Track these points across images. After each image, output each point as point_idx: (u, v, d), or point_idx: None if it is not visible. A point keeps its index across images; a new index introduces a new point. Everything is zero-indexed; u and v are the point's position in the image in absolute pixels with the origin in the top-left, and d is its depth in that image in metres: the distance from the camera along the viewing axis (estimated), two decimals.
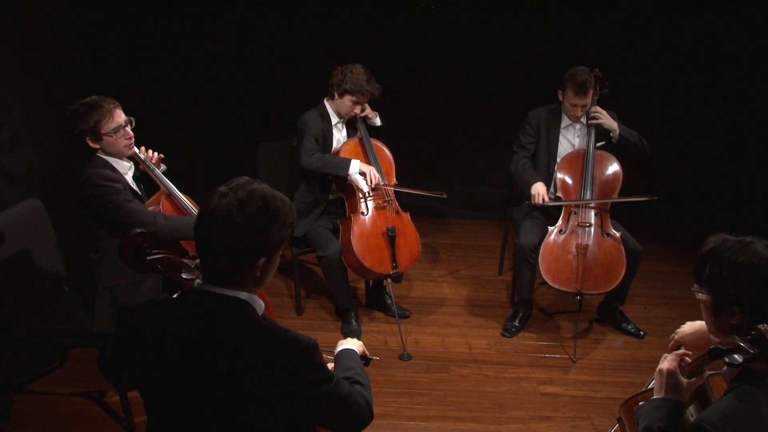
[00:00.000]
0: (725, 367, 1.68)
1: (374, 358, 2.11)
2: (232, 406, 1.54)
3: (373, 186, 3.62)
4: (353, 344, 1.99)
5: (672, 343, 2.15)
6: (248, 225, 1.52)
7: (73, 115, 2.78)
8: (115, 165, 2.87)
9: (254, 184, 1.58)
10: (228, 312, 1.56)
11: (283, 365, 1.52)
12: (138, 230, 2.18)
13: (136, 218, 2.75)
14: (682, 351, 1.82)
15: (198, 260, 2.42)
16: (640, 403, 1.80)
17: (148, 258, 2.13)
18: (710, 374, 1.77)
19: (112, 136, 2.80)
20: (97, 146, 2.82)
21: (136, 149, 2.94)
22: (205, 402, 1.55)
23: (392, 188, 3.75)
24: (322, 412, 1.62)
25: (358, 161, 3.64)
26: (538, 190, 3.65)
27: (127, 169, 2.92)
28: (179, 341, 1.55)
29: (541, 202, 3.63)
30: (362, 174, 3.62)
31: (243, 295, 1.59)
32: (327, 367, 1.61)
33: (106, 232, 2.82)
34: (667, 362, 1.78)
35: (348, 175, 3.61)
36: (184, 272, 2.13)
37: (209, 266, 1.58)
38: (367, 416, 1.74)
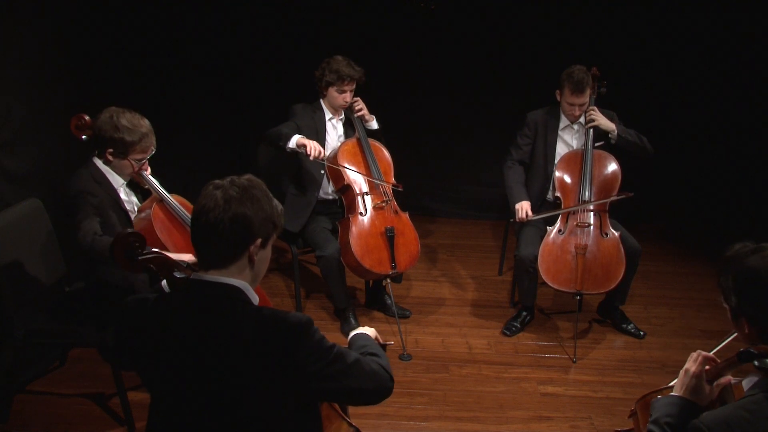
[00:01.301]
0: (749, 376, 1.66)
1: (389, 343, 2.08)
2: (236, 390, 1.56)
3: (312, 158, 3.47)
4: (365, 330, 2.01)
5: None
6: (250, 206, 1.61)
7: (113, 124, 2.72)
8: (108, 177, 2.83)
9: (243, 177, 1.68)
10: (223, 298, 1.61)
11: (279, 342, 1.55)
12: (129, 230, 2.17)
13: (75, 232, 2.65)
14: (713, 355, 1.77)
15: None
16: (658, 396, 1.78)
17: (139, 258, 2.13)
18: (734, 381, 1.74)
19: (134, 162, 2.78)
20: (111, 159, 2.78)
21: None
22: (209, 388, 1.57)
23: (336, 167, 3.64)
24: (329, 383, 1.61)
25: (298, 135, 3.53)
26: (522, 206, 3.72)
27: (120, 184, 2.87)
28: (178, 331, 1.59)
29: (524, 217, 3.69)
30: (302, 146, 3.49)
31: (239, 283, 1.63)
32: (325, 340, 1.63)
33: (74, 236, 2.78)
34: (695, 364, 1.73)
35: (287, 147, 3.53)
36: (177, 271, 2.13)
37: (206, 254, 1.64)
38: (385, 380, 1.73)
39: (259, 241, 1.63)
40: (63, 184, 2.79)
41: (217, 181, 1.65)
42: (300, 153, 3.54)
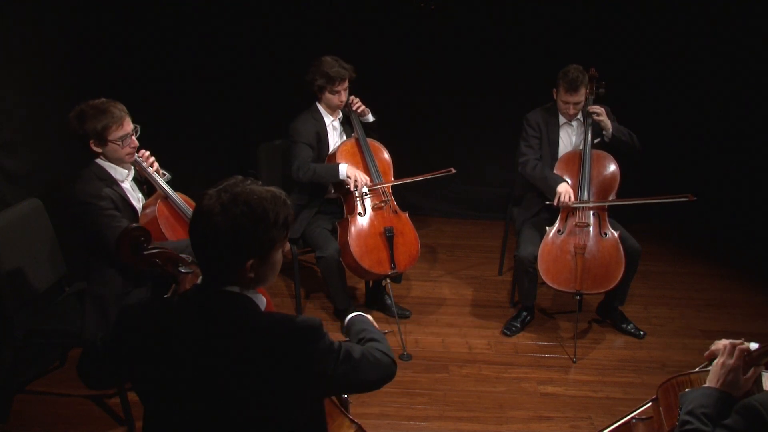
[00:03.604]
0: None
1: (386, 332, 2.07)
2: (244, 395, 1.54)
3: (358, 191, 3.58)
4: (361, 314, 2.01)
5: (708, 353, 1.93)
6: (230, 228, 1.53)
7: (80, 115, 2.73)
8: (112, 172, 2.83)
9: (242, 185, 1.58)
10: (229, 307, 1.58)
11: (290, 347, 1.54)
12: (134, 225, 2.18)
13: (109, 246, 2.62)
14: (746, 346, 1.73)
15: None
16: (686, 390, 1.75)
17: (145, 252, 2.13)
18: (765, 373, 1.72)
19: (118, 144, 2.77)
20: (100, 150, 2.78)
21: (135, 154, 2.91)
22: (216, 394, 1.55)
23: (390, 185, 3.74)
24: (339, 381, 1.63)
25: (347, 165, 3.62)
26: (567, 188, 3.60)
27: (125, 176, 2.88)
28: (183, 338, 1.56)
29: (567, 200, 3.58)
30: (348, 178, 3.58)
31: (244, 291, 1.61)
32: (333, 341, 1.63)
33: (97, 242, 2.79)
34: (733, 358, 1.70)
35: (339, 179, 3.61)
36: (182, 266, 2.13)
37: (204, 266, 1.61)
38: (389, 366, 1.75)
39: (250, 262, 1.57)
40: (69, 190, 2.79)
41: (211, 191, 1.58)
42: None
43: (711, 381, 1.72)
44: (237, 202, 1.53)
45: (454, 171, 3.75)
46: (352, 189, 3.59)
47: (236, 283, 1.60)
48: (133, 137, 2.82)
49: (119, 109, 2.77)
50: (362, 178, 3.60)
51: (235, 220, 1.52)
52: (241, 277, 1.59)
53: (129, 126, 2.80)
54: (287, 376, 1.54)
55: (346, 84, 3.71)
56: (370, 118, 3.90)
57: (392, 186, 3.81)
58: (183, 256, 2.16)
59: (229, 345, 1.54)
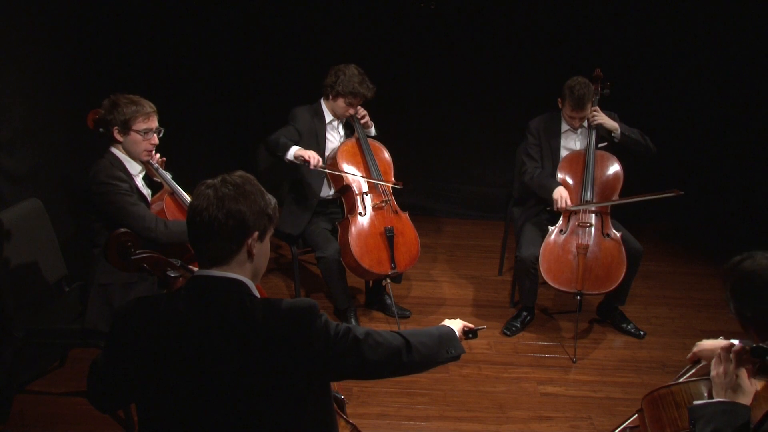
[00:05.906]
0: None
1: (481, 327, 2.17)
2: (250, 382, 1.55)
3: (312, 167, 3.48)
4: (451, 323, 2.10)
5: (690, 356, 2.00)
6: (243, 202, 1.62)
7: (113, 102, 2.86)
8: (126, 165, 2.92)
9: (239, 171, 1.70)
10: (229, 292, 1.62)
11: (287, 328, 1.57)
12: (122, 230, 2.19)
13: (138, 223, 2.79)
14: (740, 345, 1.66)
15: (184, 258, 2.44)
16: (695, 403, 1.68)
17: (133, 257, 2.14)
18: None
19: (140, 135, 2.88)
20: (121, 139, 2.88)
21: None
22: (221, 382, 1.56)
23: (337, 173, 3.68)
24: (343, 359, 1.64)
25: (296, 147, 3.54)
26: (561, 193, 3.60)
27: (137, 171, 2.98)
28: (185, 328, 1.58)
29: (564, 205, 3.59)
30: (300, 158, 3.50)
31: (242, 277, 1.65)
32: (331, 321, 1.65)
33: (107, 229, 2.82)
34: (732, 362, 1.64)
35: (285, 159, 3.54)
36: (170, 270, 2.13)
37: (205, 252, 1.65)
38: (398, 351, 1.76)
39: (255, 234, 1.64)
40: (89, 173, 2.85)
41: (208, 181, 1.66)
42: (299, 164, 3.55)
43: (719, 395, 1.66)
44: (245, 182, 1.65)
45: (401, 186, 3.76)
46: (311, 167, 3.48)
47: (235, 267, 1.64)
48: (155, 136, 2.94)
49: (150, 106, 2.93)
50: (314, 154, 3.49)
51: (245, 191, 1.63)
52: (240, 259, 1.64)
53: (154, 123, 2.94)
54: (285, 358, 1.56)
55: (361, 101, 3.72)
56: (372, 132, 3.89)
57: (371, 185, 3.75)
58: (171, 260, 2.18)
59: (231, 331, 1.56)
